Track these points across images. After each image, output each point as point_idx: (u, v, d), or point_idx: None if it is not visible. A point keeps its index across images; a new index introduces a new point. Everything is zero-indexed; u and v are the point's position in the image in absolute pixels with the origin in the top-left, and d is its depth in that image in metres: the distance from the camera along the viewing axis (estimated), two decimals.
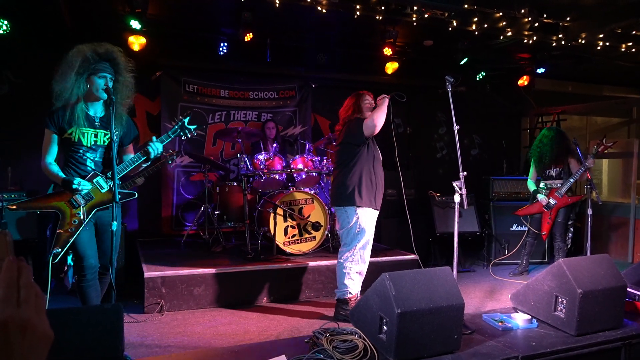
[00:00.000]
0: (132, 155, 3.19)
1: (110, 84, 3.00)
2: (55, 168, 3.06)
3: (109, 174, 3.05)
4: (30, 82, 5.49)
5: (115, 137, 2.93)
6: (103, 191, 3.08)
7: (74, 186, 2.98)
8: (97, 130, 3.10)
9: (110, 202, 2.85)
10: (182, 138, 3.25)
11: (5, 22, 4.97)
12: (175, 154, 3.58)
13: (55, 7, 4.91)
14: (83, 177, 3.05)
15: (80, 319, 2.14)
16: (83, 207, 3.04)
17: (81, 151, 3.08)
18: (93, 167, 3.11)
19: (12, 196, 4.69)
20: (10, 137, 5.36)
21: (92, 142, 3.09)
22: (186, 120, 3.22)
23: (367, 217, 3.95)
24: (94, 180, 3.07)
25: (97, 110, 3.13)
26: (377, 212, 4.08)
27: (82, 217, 3.03)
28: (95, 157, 3.12)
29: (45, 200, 3.05)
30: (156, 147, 3.09)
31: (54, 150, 3.09)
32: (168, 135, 3.21)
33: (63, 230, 2.99)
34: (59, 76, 2.99)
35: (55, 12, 5.05)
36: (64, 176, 3.03)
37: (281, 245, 4.99)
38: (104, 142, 3.13)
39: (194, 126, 3.24)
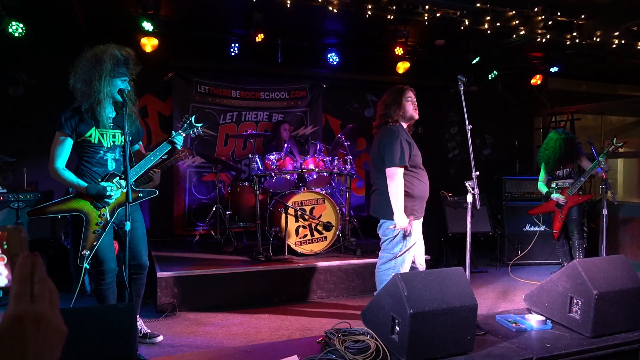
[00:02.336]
0: (148, 152, 3.22)
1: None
2: (71, 175, 2.97)
3: (123, 175, 3.04)
4: (44, 83, 5.57)
5: (129, 137, 2.94)
6: (124, 191, 3.00)
7: (108, 192, 2.97)
8: (114, 131, 3.11)
9: (132, 201, 2.87)
10: (192, 135, 3.37)
11: (21, 25, 5.04)
12: (189, 153, 3.69)
13: (69, 9, 4.97)
14: (103, 178, 3.04)
15: (95, 318, 2.16)
16: (107, 207, 3.04)
17: (101, 152, 3.07)
18: (114, 167, 3.11)
19: (28, 196, 4.74)
20: (25, 138, 5.43)
21: (111, 143, 3.09)
22: (192, 118, 3.36)
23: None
24: (114, 180, 3.05)
25: (109, 111, 3.12)
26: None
27: (107, 218, 3.01)
28: (115, 157, 3.13)
29: (66, 203, 2.97)
30: (180, 140, 3.25)
31: (65, 155, 2.99)
32: (180, 132, 3.31)
33: (90, 232, 2.96)
34: (86, 76, 2.94)
35: (69, 15, 5.12)
36: (85, 184, 2.95)
37: (292, 246, 4.99)
38: (121, 141, 3.13)
39: (201, 124, 3.39)
